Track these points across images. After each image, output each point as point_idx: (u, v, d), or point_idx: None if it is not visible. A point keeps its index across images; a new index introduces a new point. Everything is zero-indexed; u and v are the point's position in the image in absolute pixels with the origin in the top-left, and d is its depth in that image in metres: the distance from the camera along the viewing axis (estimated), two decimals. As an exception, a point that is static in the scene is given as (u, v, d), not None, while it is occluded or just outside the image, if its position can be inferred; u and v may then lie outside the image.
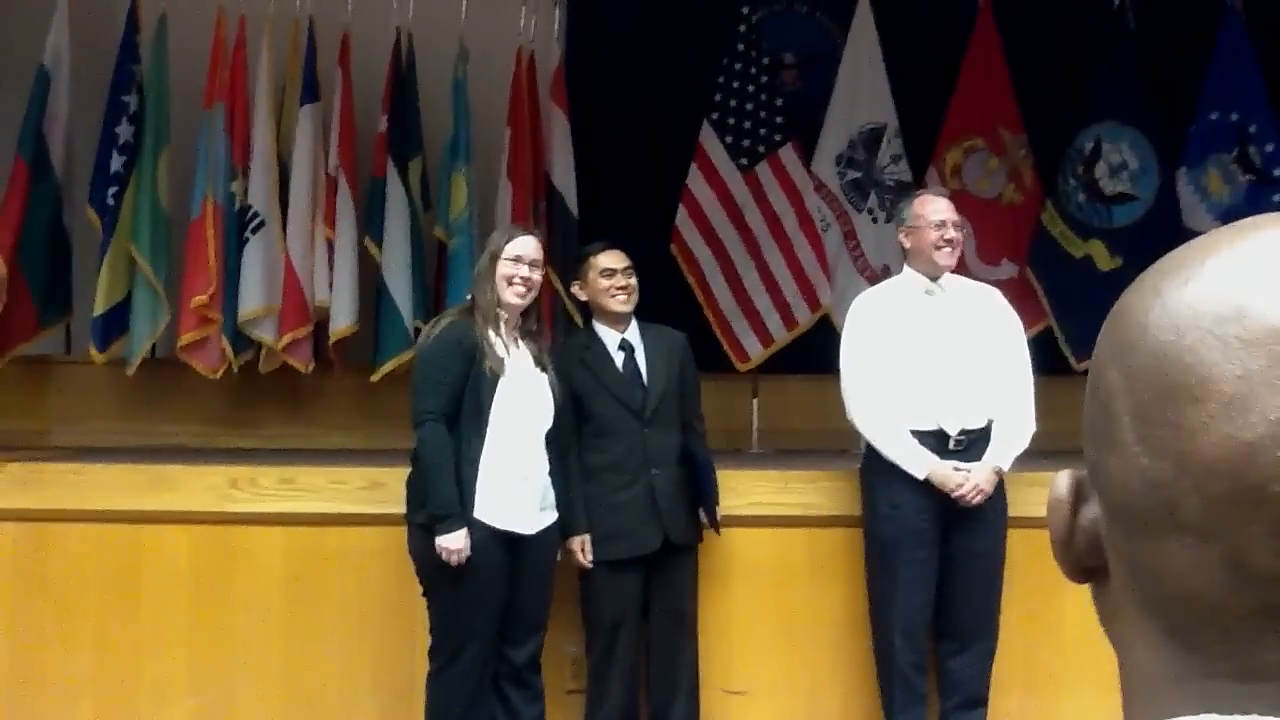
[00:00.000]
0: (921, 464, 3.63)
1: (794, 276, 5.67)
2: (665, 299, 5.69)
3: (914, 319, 3.77)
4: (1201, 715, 0.52)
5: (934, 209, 3.78)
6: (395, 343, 5.34)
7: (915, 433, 3.67)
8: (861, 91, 5.69)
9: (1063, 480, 0.58)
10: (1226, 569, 0.51)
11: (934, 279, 3.79)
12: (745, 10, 5.64)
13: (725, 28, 5.66)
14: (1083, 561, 0.58)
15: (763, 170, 5.66)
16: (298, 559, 3.86)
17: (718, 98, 5.65)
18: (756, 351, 5.68)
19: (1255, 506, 0.50)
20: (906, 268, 3.86)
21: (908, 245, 3.83)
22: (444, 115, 5.42)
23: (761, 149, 5.65)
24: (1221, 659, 0.52)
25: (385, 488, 3.84)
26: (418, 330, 5.31)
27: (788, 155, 5.66)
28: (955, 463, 3.64)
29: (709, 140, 5.66)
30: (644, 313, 5.76)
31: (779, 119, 5.66)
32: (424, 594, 3.48)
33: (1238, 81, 5.48)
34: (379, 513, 3.82)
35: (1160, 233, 5.52)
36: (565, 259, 5.48)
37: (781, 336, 5.69)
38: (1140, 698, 0.56)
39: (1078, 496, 0.58)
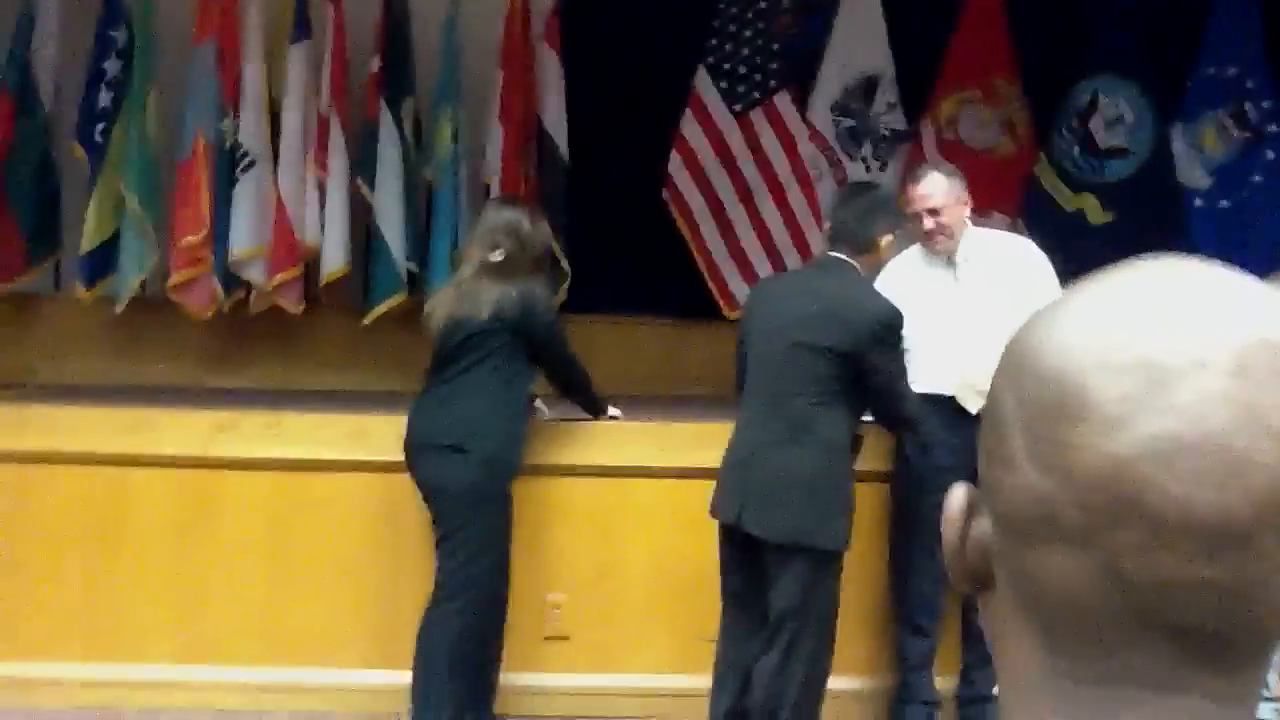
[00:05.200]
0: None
1: (786, 224, 5.65)
2: (657, 245, 5.70)
3: (936, 289, 3.73)
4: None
5: (912, 199, 3.72)
6: (387, 285, 5.33)
7: (936, 397, 3.64)
8: (858, 38, 5.63)
9: (957, 496, 0.63)
10: (1102, 575, 0.56)
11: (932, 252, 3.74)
12: (743, -47, 5.57)
13: (723, -31, 5.58)
14: (973, 572, 0.62)
15: (757, 116, 5.61)
16: (281, 504, 3.90)
17: (713, 42, 5.58)
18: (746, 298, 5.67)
19: (1128, 516, 0.55)
20: None
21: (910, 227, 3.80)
22: (438, 56, 5.37)
23: (757, 94, 5.60)
24: (1091, 662, 0.57)
25: (370, 435, 3.87)
26: (410, 273, 5.32)
27: (783, 101, 5.62)
28: None
29: (703, 84, 5.61)
30: (637, 261, 5.79)
31: (775, 64, 5.61)
32: (465, 528, 3.50)
33: (1237, 36, 5.40)
34: (363, 459, 3.85)
35: (1153, 188, 5.51)
36: (554, 202, 5.46)
37: (772, 284, 5.69)
38: (1015, 699, 0.61)
39: (970, 511, 0.63)
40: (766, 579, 3.24)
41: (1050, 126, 5.59)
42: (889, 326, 3.23)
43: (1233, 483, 0.54)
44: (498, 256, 3.60)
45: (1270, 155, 5.41)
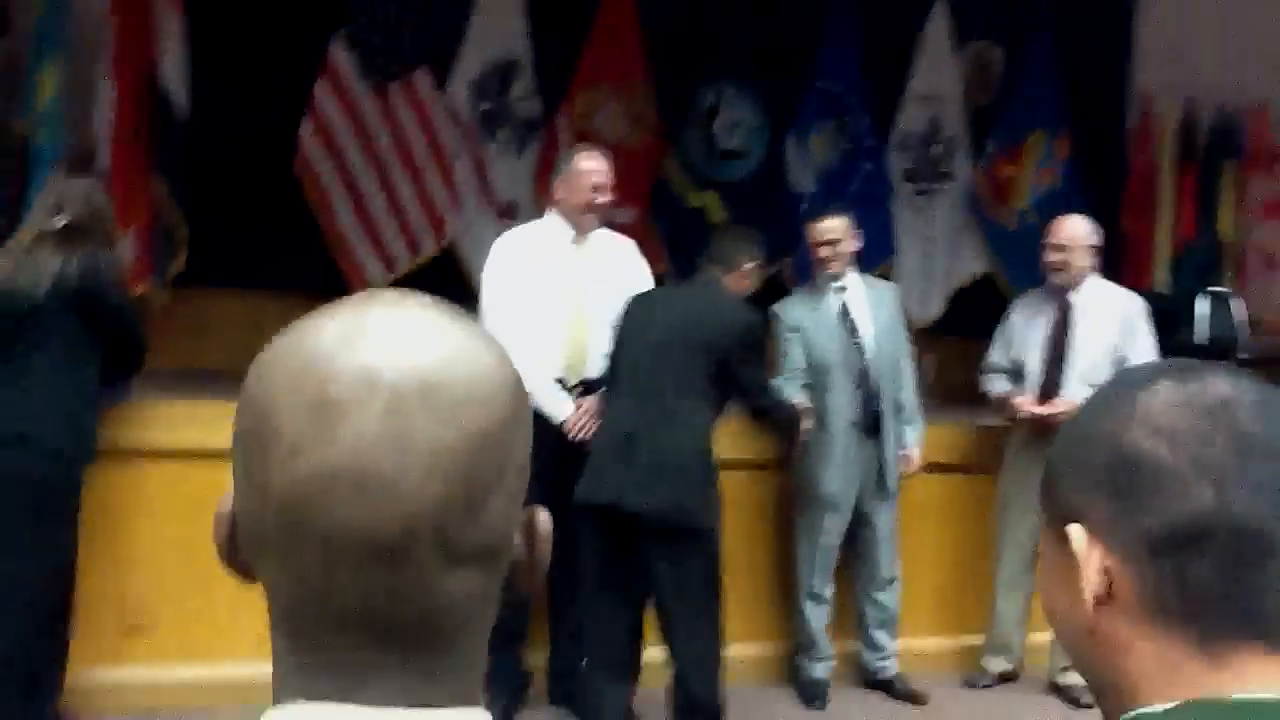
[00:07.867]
0: (563, 408, 3.70)
1: (421, 204, 5.59)
2: (286, 216, 5.48)
3: (556, 267, 3.81)
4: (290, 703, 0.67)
5: (591, 169, 3.85)
6: (-30, 242, 4.86)
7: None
8: (497, 23, 5.64)
9: (224, 500, 0.70)
10: (300, 586, 0.65)
11: (579, 230, 3.84)
12: (386, -79, 5.44)
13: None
14: (240, 569, 0.70)
15: (395, 91, 5.51)
16: None
17: (352, 11, 5.43)
18: (378, 276, 5.57)
19: (307, 537, 0.64)
20: (552, 213, 3.89)
21: (559, 195, 3.86)
22: (37, -4, 4.91)
23: (395, 68, 5.49)
24: (303, 652, 0.67)
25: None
26: (-1, 231, 4.85)
27: (421, 79, 5.55)
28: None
29: (339, 54, 5.45)
30: (264, 232, 5.52)
31: (414, 41, 5.52)
32: (25, 528, 3.23)
33: (842, 57, 5.85)
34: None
35: (767, 190, 5.88)
36: (170, 164, 5.13)
37: (405, 263, 5.61)
38: (278, 684, 0.69)
39: (234, 516, 0.69)
40: (642, 561, 3.43)
41: (678, 126, 5.84)
42: (753, 330, 3.59)
43: (384, 506, 0.63)
44: (61, 221, 3.30)
45: (868, 166, 5.90)
